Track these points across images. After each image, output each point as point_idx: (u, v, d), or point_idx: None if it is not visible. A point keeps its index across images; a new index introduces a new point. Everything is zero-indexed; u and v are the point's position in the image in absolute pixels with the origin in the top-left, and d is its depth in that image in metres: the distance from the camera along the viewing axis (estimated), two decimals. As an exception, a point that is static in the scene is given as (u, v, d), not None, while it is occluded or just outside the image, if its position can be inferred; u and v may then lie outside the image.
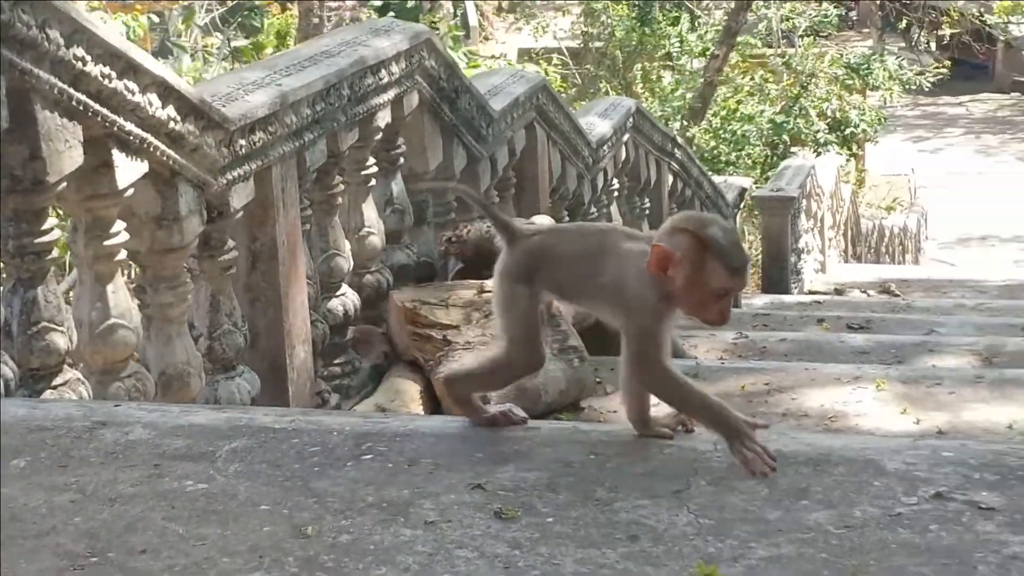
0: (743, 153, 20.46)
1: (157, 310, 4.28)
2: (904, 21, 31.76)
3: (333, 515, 2.54)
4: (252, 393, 4.68)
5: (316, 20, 15.26)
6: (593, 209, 8.82)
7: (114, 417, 3.08)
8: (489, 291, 5.65)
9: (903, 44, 32.99)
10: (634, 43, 22.42)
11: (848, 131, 22.63)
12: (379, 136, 5.69)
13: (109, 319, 3.96)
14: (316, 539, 2.44)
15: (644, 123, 9.81)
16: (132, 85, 3.83)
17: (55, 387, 3.79)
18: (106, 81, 3.72)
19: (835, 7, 26.65)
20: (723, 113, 21.08)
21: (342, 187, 5.55)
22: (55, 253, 3.85)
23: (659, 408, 2.92)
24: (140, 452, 2.87)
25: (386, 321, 5.79)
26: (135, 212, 4.13)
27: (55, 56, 3.52)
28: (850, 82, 23.23)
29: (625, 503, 2.61)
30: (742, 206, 14.11)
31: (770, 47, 24.08)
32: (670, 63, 22.64)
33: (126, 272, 6.45)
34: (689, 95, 21.33)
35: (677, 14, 22.73)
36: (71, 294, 4.92)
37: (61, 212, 5.48)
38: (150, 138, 3.98)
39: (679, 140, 11.27)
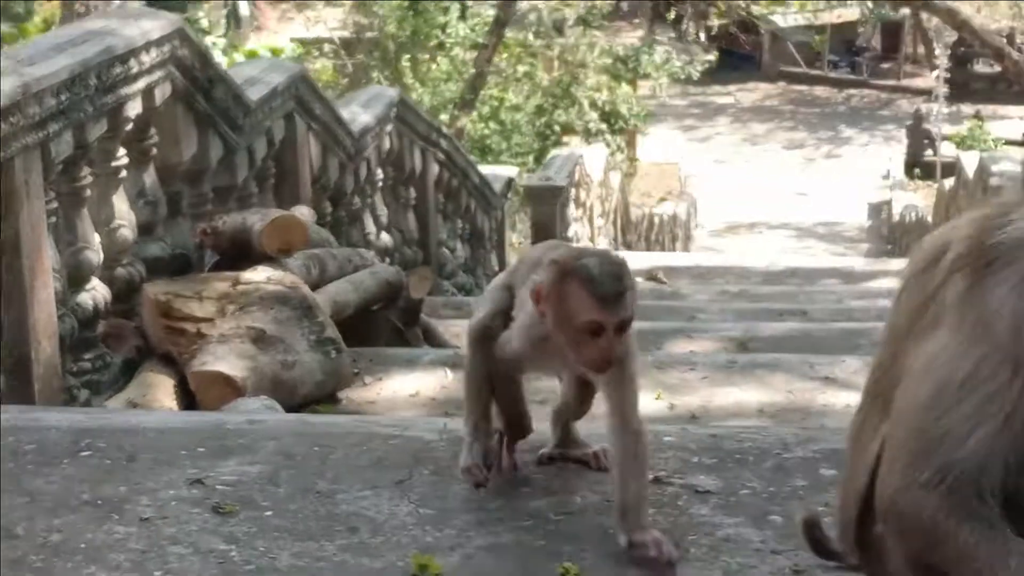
0: (512, 143, 20.66)
1: None
2: (674, 12, 32.47)
3: (45, 514, 2.50)
4: (-6, 390, 4.56)
5: (82, 9, 14.88)
6: (356, 199, 8.82)
7: None
8: (244, 283, 5.61)
9: (673, 35, 33.68)
10: (407, 33, 22.44)
11: (618, 124, 23.05)
12: (130, 127, 5.59)
13: None
14: (25, 539, 2.41)
15: (408, 113, 9.84)
16: None
17: None
18: None
19: (605, -2, 27.09)
20: (493, 103, 21.26)
21: (91, 179, 5.42)
22: None
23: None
24: None
25: (139, 315, 5.69)
26: None
27: None
28: (618, 74, 23.65)
29: (347, 495, 2.63)
30: (510, 195, 14.23)
31: (539, 37, 24.33)
32: (442, 52, 22.73)
33: None
34: (460, 85, 21.44)
35: (447, 4, 22.82)
36: None
37: None
38: None
39: (444, 130, 11.32)
